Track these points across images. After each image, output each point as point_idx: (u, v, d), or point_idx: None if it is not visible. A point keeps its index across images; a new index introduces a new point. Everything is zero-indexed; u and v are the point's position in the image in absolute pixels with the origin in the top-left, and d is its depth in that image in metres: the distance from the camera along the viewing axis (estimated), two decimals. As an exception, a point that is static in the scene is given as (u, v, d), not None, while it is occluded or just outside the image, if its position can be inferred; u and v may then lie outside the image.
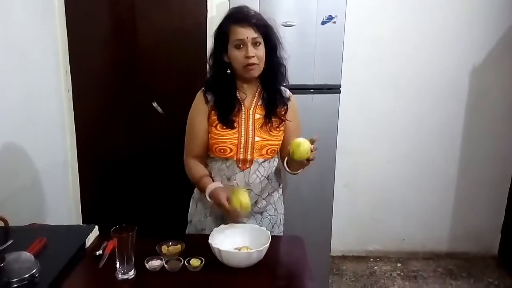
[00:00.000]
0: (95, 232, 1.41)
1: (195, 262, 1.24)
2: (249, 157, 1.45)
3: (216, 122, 1.45)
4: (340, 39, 2.21)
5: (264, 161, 1.48)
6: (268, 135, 1.47)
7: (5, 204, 1.89)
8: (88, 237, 1.36)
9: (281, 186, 1.63)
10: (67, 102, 2.60)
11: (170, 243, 1.32)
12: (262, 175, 1.48)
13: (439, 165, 2.92)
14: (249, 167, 1.46)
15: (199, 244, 1.30)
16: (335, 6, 2.17)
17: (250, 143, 1.45)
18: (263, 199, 1.52)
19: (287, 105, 1.51)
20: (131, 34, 2.61)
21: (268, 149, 1.47)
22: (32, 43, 2.19)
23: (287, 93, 1.55)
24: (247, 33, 1.37)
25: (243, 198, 1.31)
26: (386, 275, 2.81)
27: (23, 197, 2.10)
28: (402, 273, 2.83)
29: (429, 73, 2.77)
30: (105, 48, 2.63)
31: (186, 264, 1.23)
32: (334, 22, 2.18)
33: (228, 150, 1.45)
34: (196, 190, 1.61)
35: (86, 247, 1.34)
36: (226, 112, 1.45)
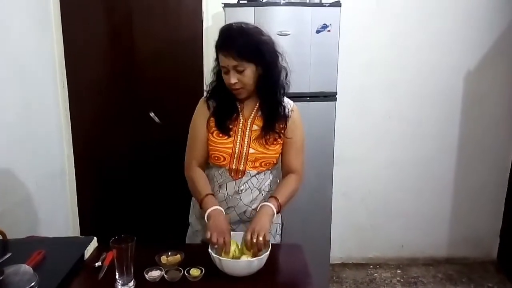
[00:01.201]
0: (94, 243, 1.41)
1: (195, 272, 1.23)
2: (241, 168, 1.45)
3: (214, 129, 1.46)
4: (335, 47, 2.24)
5: (258, 173, 1.47)
6: (264, 148, 1.45)
7: (3, 216, 1.89)
8: (87, 248, 1.36)
9: None
10: (64, 112, 2.61)
11: (169, 253, 1.32)
12: (254, 186, 1.48)
13: (436, 170, 2.93)
14: (241, 177, 1.46)
15: (199, 254, 1.30)
16: (329, 15, 2.20)
17: (244, 154, 1.44)
18: (253, 209, 1.48)
19: (286, 122, 1.48)
20: (127, 44, 2.62)
21: (262, 161, 1.46)
22: (29, 54, 2.20)
23: (290, 105, 1.51)
24: (228, 62, 1.36)
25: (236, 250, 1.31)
26: (386, 281, 2.80)
27: (21, 210, 2.10)
28: (402, 280, 2.82)
29: (424, 78, 2.79)
30: (102, 59, 2.65)
31: (186, 274, 1.23)
32: (329, 31, 2.21)
33: (222, 159, 1.45)
34: None
35: (85, 258, 1.33)
36: (224, 118, 1.45)
